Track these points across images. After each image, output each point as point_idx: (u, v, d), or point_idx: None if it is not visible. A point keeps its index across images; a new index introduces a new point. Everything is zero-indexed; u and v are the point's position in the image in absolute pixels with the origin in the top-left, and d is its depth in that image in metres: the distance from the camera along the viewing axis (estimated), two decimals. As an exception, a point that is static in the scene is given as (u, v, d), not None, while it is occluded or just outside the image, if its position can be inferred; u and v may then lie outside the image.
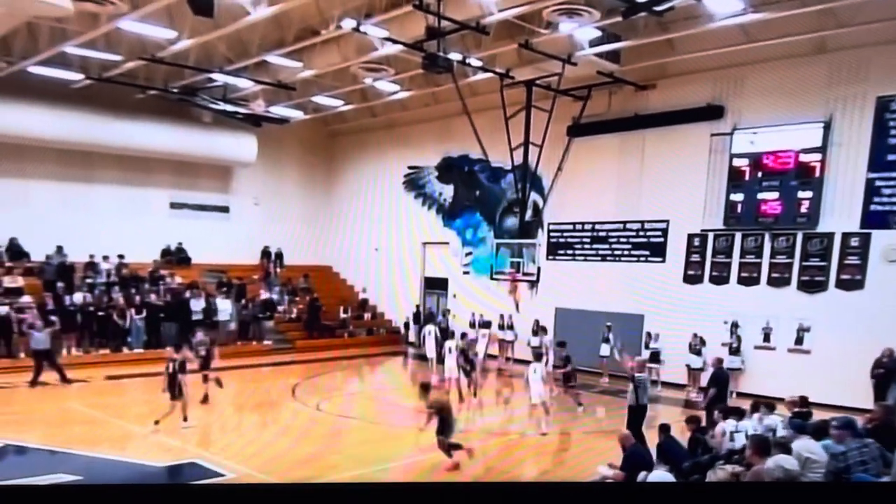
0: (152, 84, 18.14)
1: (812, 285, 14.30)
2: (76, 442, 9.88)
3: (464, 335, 14.49)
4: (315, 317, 21.29)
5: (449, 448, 9.02)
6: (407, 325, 21.93)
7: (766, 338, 14.82)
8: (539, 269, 17.45)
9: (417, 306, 21.84)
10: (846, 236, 13.86)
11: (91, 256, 18.80)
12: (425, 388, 9.47)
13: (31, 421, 11.68)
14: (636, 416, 9.59)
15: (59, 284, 17.28)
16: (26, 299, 16.26)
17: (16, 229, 18.24)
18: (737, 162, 15.20)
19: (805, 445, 5.86)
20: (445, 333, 17.00)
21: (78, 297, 16.99)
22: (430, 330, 16.56)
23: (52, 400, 13.41)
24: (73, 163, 19.35)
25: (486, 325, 18.83)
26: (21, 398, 13.30)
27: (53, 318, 15.32)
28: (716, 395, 10.97)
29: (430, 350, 16.22)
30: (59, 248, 18.44)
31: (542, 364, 12.46)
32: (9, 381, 14.11)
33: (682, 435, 8.70)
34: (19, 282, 17.07)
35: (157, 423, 10.47)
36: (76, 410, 12.56)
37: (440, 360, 15.30)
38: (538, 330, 17.87)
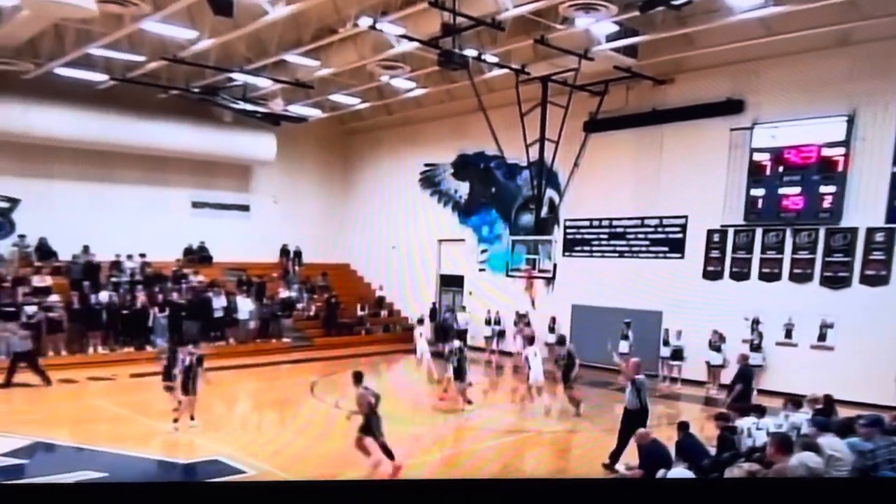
0: (174, 84, 18.41)
1: (836, 281, 14.06)
2: (102, 439, 10.05)
3: (456, 333, 14.17)
4: (332, 315, 21.45)
5: (363, 444, 8.22)
6: (422, 322, 21.92)
7: (788, 334, 14.61)
8: (555, 265, 17.38)
9: (433, 303, 21.88)
10: (870, 231, 13.61)
11: (117, 256, 19.12)
12: (357, 377, 8.66)
13: (59, 419, 11.91)
14: (639, 418, 9.21)
15: (86, 283, 17.61)
16: (54, 298, 16.60)
17: (43, 229, 18.63)
18: (757, 157, 14.99)
19: (830, 443, 5.78)
20: (448, 332, 16.76)
21: (104, 296, 17.29)
22: (421, 332, 15.88)
23: (80, 398, 13.68)
24: (97, 163, 19.70)
25: (522, 318, 18.47)
26: (50, 396, 13.56)
27: (28, 317, 15.54)
28: (741, 391, 10.84)
29: (420, 350, 15.38)
30: (86, 248, 18.77)
31: (538, 347, 12.92)
32: (38, 380, 14.41)
33: (700, 432, 8.62)
34: (48, 281, 17.44)
35: (175, 421, 10.62)
36: (102, 408, 12.79)
37: (438, 355, 15.07)
38: (555, 327, 17.85)
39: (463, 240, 21.51)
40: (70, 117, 18.06)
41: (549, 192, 18.43)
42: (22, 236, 18.39)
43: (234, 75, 17.58)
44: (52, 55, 16.04)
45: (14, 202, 18.46)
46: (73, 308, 16.59)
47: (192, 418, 10.74)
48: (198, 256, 21.30)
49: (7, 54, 15.79)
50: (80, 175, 19.57)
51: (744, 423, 8.15)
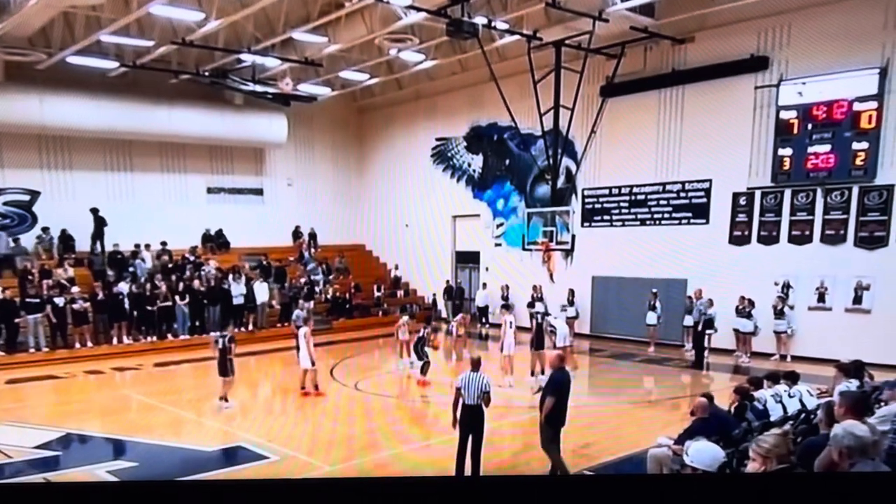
0: (185, 69, 18.21)
1: (871, 241, 13.50)
2: (132, 429, 10.09)
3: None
4: (344, 303, 21.20)
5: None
6: (436, 301, 21.77)
7: (821, 298, 14.13)
8: (573, 236, 16.94)
9: (447, 281, 21.66)
10: (907, 188, 13.00)
11: (136, 246, 19.16)
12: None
13: (90, 409, 11.97)
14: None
15: (110, 273, 17.67)
16: (77, 290, 16.70)
17: (63, 220, 18.65)
18: (784, 115, 14.36)
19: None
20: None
21: (124, 286, 17.35)
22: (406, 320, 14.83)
23: (108, 388, 13.81)
24: (115, 152, 19.69)
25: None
26: (79, 387, 13.73)
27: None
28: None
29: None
30: (115, 245, 18.70)
31: (513, 317, 13.03)
32: (68, 371, 14.57)
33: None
34: (70, 273, 17.55)
35: (224, 399, 10.98)
36: (130, 398, 12.91)
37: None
38: (572, 300, 17.50)
39: (478, 215, 21.15)
40: (86, 107, 17.98)
41: (566, 162, 17.93)
42: (45, 229, 18.51)
43: (242, 56, 17.32)
44: (63, 44, 15.90)
45: (35, 194, 18.57)
46: (98, 299, 16.68)
47: (225, 399, 10.99)
48: (216, 243, 21.30)
49: (20, 44, 15.69)
50: (99, 165, 19.57)
51: (769, 392, 7.81)
